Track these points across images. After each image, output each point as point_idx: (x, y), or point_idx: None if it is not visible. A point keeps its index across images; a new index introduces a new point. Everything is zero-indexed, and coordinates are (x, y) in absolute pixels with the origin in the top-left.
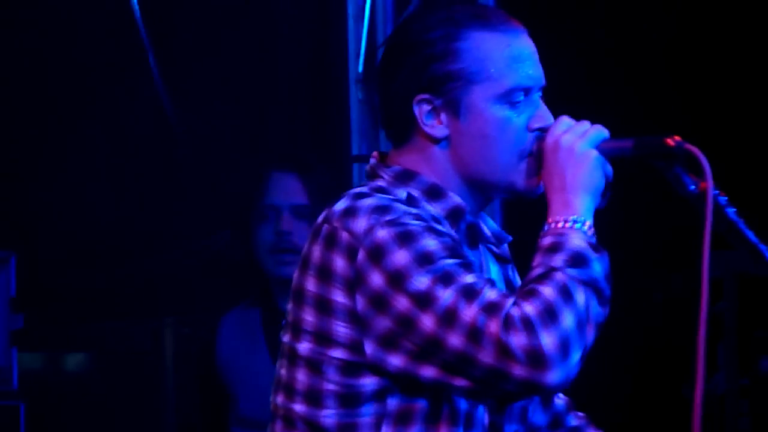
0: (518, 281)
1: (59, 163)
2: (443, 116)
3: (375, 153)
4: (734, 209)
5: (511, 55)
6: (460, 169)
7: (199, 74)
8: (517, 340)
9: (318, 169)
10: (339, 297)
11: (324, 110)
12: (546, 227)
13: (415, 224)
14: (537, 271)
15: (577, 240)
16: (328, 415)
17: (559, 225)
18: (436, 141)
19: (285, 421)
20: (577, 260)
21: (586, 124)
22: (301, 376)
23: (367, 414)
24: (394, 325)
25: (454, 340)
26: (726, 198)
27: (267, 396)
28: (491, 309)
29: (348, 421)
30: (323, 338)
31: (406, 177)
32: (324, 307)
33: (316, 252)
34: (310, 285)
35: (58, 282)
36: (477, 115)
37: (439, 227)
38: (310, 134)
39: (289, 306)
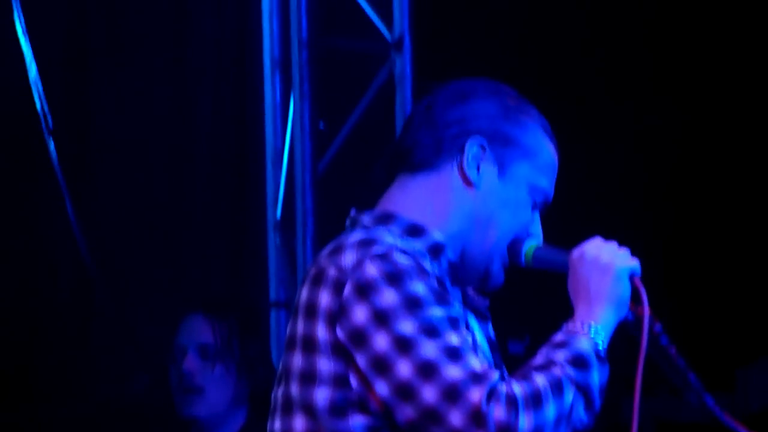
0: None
1: None
2: (486, 168)
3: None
4: (668, 338)
5: (553, 165)
6: (465, 222)
7: (116, 219)
8: (497, 413)
9: (227, 310)
10: (321, 332)
11: (242, 256)
12: (563, 327)
13: (403, 262)
14: (537, 360)
15: (586, 344)
16: None
17: (576, 327)
18: (465, 183)
19: None
20: (579, 362)
21: (614, 245)
22: (299, 424)
23: None
24: (369, 363)
25: (429, 393)
26: (661, 326)
27: None
28: (476, 377)
29: None
30: (309, 377)
31: (385, 218)
32: (309, 345)
33: (304, 294)
34: (300, 328)
35: None
36: (515, 186)
37: (425, 263)
38: (228, 280)
39: (283, 357)
